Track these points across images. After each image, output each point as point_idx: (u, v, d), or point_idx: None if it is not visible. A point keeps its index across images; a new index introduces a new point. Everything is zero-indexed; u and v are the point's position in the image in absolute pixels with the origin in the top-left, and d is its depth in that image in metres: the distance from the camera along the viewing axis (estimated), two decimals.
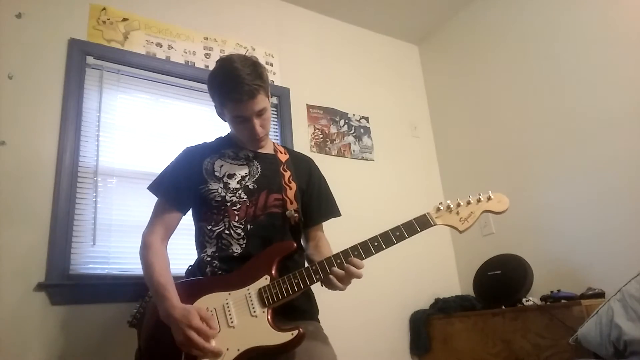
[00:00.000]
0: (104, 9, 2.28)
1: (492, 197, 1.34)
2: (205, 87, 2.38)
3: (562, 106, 2.49)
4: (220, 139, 1.55)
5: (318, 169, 1.62)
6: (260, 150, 1.49)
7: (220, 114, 1.45)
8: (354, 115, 2.99)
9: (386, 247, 1.27)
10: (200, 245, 1.40)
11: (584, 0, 2.44)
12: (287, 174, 1.47)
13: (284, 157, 1.52)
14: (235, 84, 1.30)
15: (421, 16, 3.24)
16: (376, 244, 1.27)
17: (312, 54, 2.96)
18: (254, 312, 1.21)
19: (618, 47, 2.27)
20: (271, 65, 2.73)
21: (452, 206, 1.32)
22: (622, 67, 2.24)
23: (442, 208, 1.32)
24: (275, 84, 2.71)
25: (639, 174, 2.12)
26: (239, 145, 1.49)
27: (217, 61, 1.40)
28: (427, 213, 1.31)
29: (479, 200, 1.33)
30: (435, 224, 1.30)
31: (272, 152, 1.53)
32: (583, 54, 2.42)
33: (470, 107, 3.06)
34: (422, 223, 1.29)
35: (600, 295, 2.04)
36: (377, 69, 3.25)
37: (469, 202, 1.33)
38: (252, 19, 2.77)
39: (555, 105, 2.53)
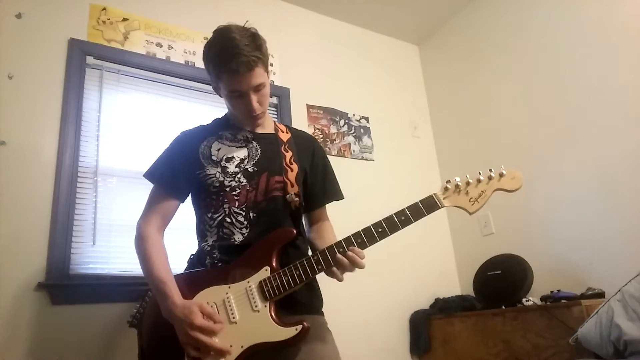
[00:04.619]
0: (104, 9, 2.28)
1: (504, 173, 1.22)
2: (205, 87, 2.43)
3: (562, 106, 2.49)
4: (217, 120, 1.48)
5: (322, 149, 1.53)
6: (259, 131, 1.41)
7: (216, 89, 1.38)
8: (354, 115, 2.99)
9: (391, 233, 1.18)
10: (201, 234, 1.33)
11: (584, 0, 2.45)
12: (289, 155, 1.38)
13: (285, 137, 1.43)
14: (231, 54, 1.22)
15: (421, 16, 3.24)
16: (380, 230, 1.18)
17: (312, 54, 2.96)
18: (256, 306, 1.17)
19: (618, 46, 2.27)
20: (271, 65, 2.72)
21: (460, 185, 1.22)
22: (623, 66, 2.24)
23: (449, 187, 1.22)
24: (275, 84, 2.71)
25: (639, 174, 2.12)
26: (237, 126, 1.40)
27: (214, 31, 1.31)
28: (434, 194, 1.22)
29: (490, 178, 1.22)
30: (443, 206, 1.21)
31: (273, 132, 1.44)
32: (583, 53, 2.42)
33: (470, 107, 3.06)
34: (428, 205, 1.20)
35: (600, 295, 2.04)
36: (377, 69, 3.24)
37: (479, 181, 1.22)
38: (252, 19, 2.73)
39: (556, 105, 2.52)
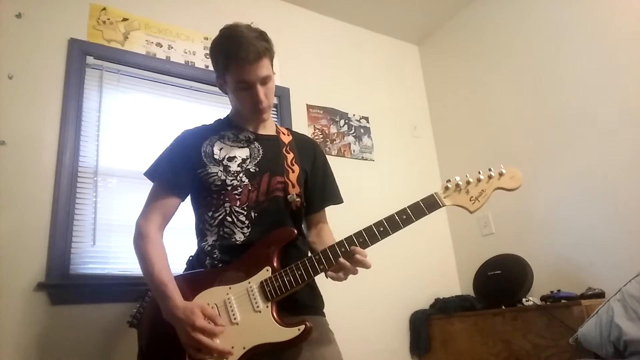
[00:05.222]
0: (104, 9, 2.28)
1: (504, 172, 1.24)
2: (205, 86, 2.43)
3: (562, 106, 2.49)
4: (219, 121, 1.48)
5: (323, 153, 1.54)
6: (261, 132, 1.42)
7: (221, 85, 1.39)
8: (354, 115, 2.99)
9: (392, 232, 1.19)
10: (201, 233, 1.33)
11: (584, 0, 2.45)
12: (290, 156, 1.39)
13: (286, 139, 1.45)
14: (241, 44, 1.25)
15: (421, 16, 3.24)
16: (382, 229, 1.19)
17: (312, 54, 2.96)
18: (257, 307, 1.17)
19: (618, 47, 2.27)
20: None
21: (461, 184, 1.23)
22: (623, 66, 2.24)
23: (450, 187, 1.23)
24: (275, 84, 2.70)
25: (639, 174, 2.12)
26: (239, 127, 1.42)
27: (222, 29, 1.34)
28: (435, 193, 1.23)
29: (490, 177, 1.24)
30: (444, 205, 1.22)
31: (274, 134, 1.46)
32: (583, 53, 2.42)
33: (470, 107, 3.06)
34: (429, 204, 1.21)
35: (600, 295, 2.04)
36: (377, 69, 3.24)
37: (479, 180, 1.24)
38: (252, 19, 2.75)
39: (556, 104, 2.52)
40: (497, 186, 1.24)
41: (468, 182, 1.24)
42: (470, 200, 1.23)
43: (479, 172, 1.25)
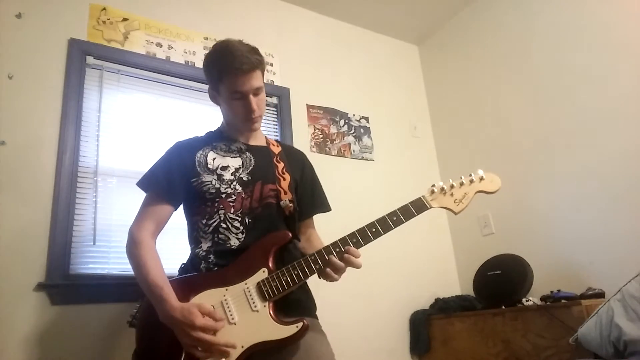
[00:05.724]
0: (104, 8, 2.28)
1: (484, 177, 1.34)
2: (205, 86, 2.40)
3: (562, 106, 2.49)
4: (210, 133, 1.53)
5: (310, 163, 1.62)
6: (252, 143, 1.49)
7: (214, 97, 1.44)
8: (354, 115, 2.99)
9: (384, 233, 1.27)
10: (195, 240, 1.36)
11: (584, 0, 2.45)
12: (281, 165, 1.46)
13: (276, 149, 1.52)
14: (235, 56, 1.31)
15: (421, 16, 3.24)
16: (374, 230, 1.26)
17: (312, 54, 2.96)
18: (255, 306, 1.19)
19: (619, 47, 2.27)
20: (271, 65, 2.73)
21: (445, 188, 1.33)
22: (623, 67, 2.24)
23: (436, 190, 1.33)
24: (275, 84, 2.70)
25: (639, 174, 2.12)
26: (231, 138, 1.48)
27: (214, 44, 1.40)
28: (422, 196, 1.32)
29: (471, 181, 1.34)
30: (431, 207, 1.31)
31: (265, 145, 1.52)
32: (584, 52, 2.42)
33: (470, 107, 3.06)
34: (418, 206, 1.30)
35: (600, 295, 2.04)
36: (377, 69, 3.24)
37: (462, 184, 1.33)
38: (252, 19, 2.77)
39: (556, 104, 2.52)
40: (478, 189, 1.34)
41: (452, 186, 1.34)
42: (455, 202, 1.32)
43: (461, 177, 1.34)
